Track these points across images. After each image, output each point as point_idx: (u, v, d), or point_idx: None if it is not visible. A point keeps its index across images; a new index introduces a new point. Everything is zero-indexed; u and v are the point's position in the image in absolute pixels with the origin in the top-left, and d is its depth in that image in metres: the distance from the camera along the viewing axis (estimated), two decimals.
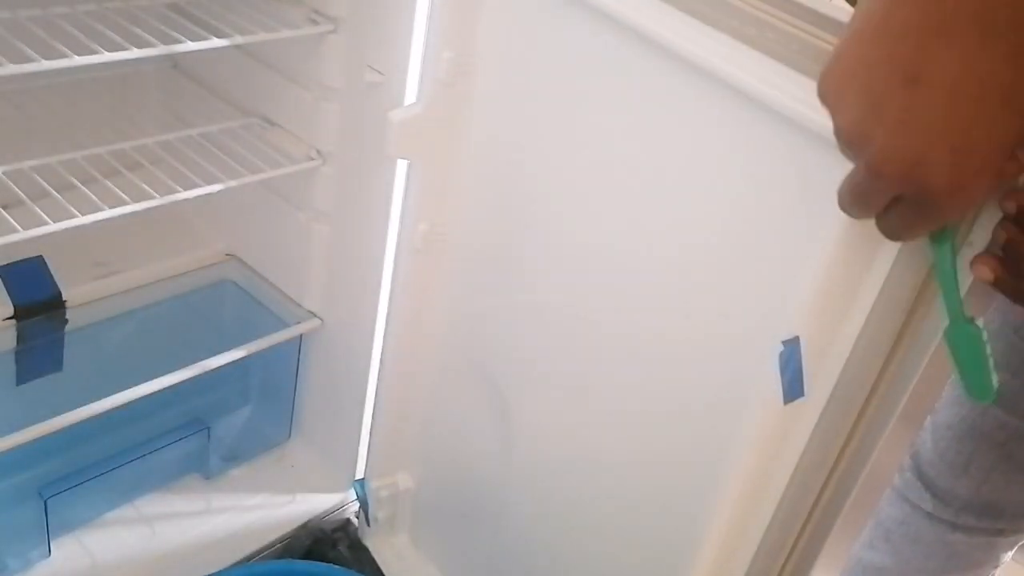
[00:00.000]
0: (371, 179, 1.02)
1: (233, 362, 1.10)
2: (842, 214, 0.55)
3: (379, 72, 0.95)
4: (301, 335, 1.18)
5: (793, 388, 0.65)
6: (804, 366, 0.64)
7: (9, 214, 0.86)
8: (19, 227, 0.85)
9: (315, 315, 1.18)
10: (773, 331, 0.65)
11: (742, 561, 0.76)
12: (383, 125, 0.88)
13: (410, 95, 0.92)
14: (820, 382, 0.66)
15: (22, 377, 1.03)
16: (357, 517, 1.20)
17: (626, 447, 0.86)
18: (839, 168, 0.55)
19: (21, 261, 0.94)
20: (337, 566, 1.09)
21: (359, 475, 1.16)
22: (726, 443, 0.73)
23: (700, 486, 0.78)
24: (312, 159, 1.07)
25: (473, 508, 1.07)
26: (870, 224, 0.54)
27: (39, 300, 0.98)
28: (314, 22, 0.99)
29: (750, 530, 0.75)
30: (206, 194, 0.98)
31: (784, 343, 0.63)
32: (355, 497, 1.17)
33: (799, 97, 0.62)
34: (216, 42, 0.92)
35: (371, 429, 1.12)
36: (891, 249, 0.60)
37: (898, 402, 0.64)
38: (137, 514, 1.16)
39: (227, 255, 1.26)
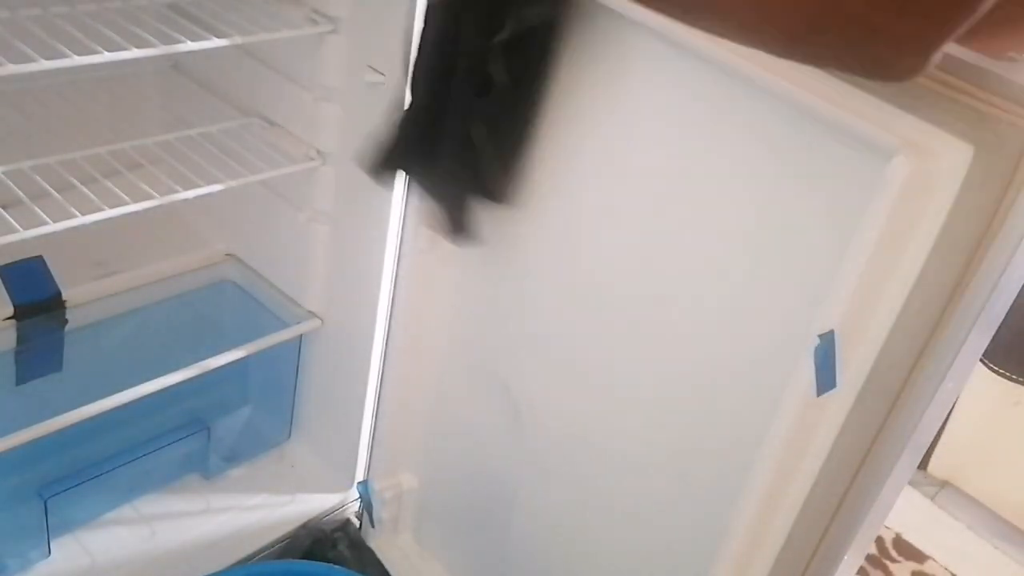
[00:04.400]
0: (371, 179, 1.02)
1: (233, 362, 1.10)
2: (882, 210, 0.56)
3: (379, 72, 0.95)
4: (301, 335, 1.18)
5: (826, 380, 0.66)
6: (838, 358, 0.65)
7: (9, 214, 0.86)
8: (19, 227, 0.85)
9: (315, 315, 1.18)
10: (802, 326, 0.67)
11: (768, 554, 0.76)
12: (383, 125, 0.88)
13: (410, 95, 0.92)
14: (852, 374, 0.67)
15: (22, 377, 1.03)
16: (357, 517, 1.20)
17: (641, 445, 0.86)
18: (873, 169, 0.56)
19: (21, 261, 0.94)
20: (337, 566, 1.09)
21: (359, 475, 1.16)
22: (747, 437, 0.73)
23: (721, 483, 0.78)
24: (312, 159, 1.07)
25: (479, 506, 1.07)
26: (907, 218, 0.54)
27: (39, 300, 0.98)
28: (314, 22, 0.99)
29: (777, 522, 0.75)
30: (206, 194, 0.98)
31: (820, 337, 0.65)
32: (356, 497, 1.17)
33: (833, 98, 0.62)
34: (216, 42, 0.92)
35: (374, 430, 1.12)
36: (925, 243, 0.61)
37: (930, 394, 0.65)
38: (137, 514, 1.16)
39: (227, 255, 1.26)
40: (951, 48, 0.59)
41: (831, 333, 0.64)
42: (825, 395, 0.66)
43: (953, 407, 1.52)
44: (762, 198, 0.71)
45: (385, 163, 0.87)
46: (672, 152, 0.76)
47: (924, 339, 0.64)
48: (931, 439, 0.69)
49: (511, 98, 0.79)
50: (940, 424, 0.68)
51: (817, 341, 0.65)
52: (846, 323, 0.64)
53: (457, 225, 0.88)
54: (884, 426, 0.68)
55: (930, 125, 0.59)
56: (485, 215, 0.89)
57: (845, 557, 0.73)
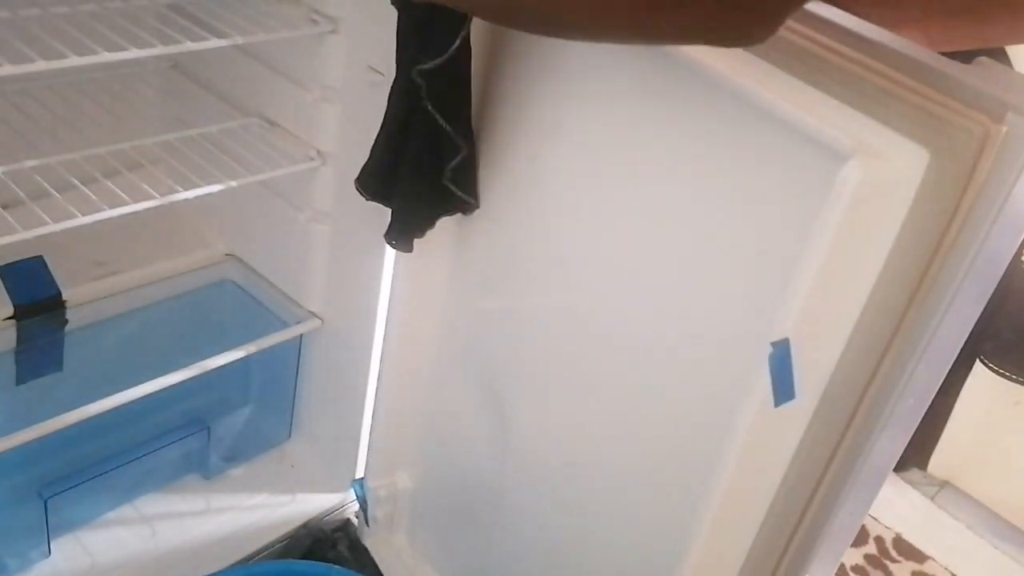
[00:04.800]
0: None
1: (233, 362, 1.10)
2: (835, 215, 0.55)
3: (379, 72, 0.95)
4: (301, 335, 1.18)
5: (784, 391, 0.64)
6: (795, 368, 0.63)
7: (9, 214, 0.86)
8: (19, 227, 0.85)
9: (315, 315, 1.18)
10: (766, 335, 0.65)
11: (732, 565, 0.76)
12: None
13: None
14: (811, 384, 0.66)
15: (22, 377, 1.03)
16: (357, 517, 1.20)
17: (621, 450, 0.86)
18: (829, 171, 0.56)
19: (21, 261, 0.94)
20: (337, 566, 1.09)
21: (359, 475, 1.16)
22: (720, 446, 0.72)
23: (694, 488, 0.78)
24: (312, 159, 1.07)
25: (469, 508, 1.07)
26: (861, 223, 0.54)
27: (39, 300, 0.98)
28: (314, 22, 0.99)
29: (738, 537, 0.75)
30: (206, 194, 0.98)
31: (773, 344, 0.63)
32: (355, 497, 1.17)
33: (795, 100, 0.62)
34: (216, 42, 0.92)
35: (370, 429, 1.12)
36: (882, 249, 0.60)
37: (890, 404, 0.64)
38: (137, 514, 1.16)
39: (227, 255, 1.26)
40: (907, 49, 0.59)
41: (786, 341, 0.62)
42: (784, 406, 0.64)
43: (953, 407, 1.52)
44: (728, 205, 0.70)
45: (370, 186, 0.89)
46: (627, 153, 0.76)
47: (883, 347, 0.63)
48: (900, 447, 0.68)
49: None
50: (913, 427, 0.67)
51: (771, 349, 0.63)
52: (801, 331, 0.62)
53: (404, 236, 0.90)
54: (842, 440, 0.67)
55: (886, 128, 0.58)
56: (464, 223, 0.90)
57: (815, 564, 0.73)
